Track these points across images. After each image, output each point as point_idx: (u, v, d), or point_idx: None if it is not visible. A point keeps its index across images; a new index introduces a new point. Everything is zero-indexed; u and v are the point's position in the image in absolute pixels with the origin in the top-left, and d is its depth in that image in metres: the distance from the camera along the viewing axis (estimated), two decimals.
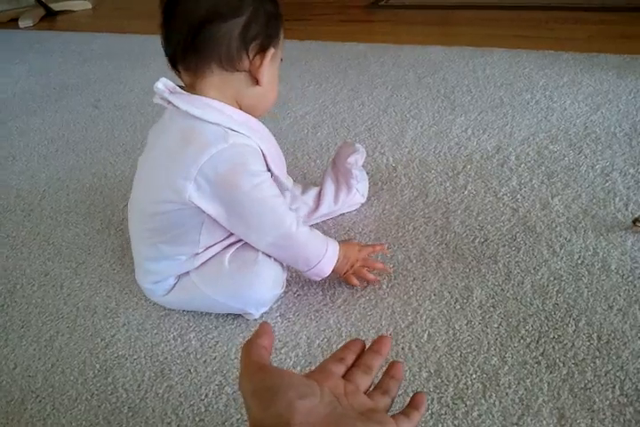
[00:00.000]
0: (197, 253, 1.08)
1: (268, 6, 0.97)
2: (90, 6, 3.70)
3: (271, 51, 0.98)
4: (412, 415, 0.65)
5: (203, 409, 0.97)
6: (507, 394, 0.92)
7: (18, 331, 1.20)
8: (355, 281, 1.15)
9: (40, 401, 1.04)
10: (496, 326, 1.04)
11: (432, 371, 0.98)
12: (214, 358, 1.06)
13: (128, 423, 0.97)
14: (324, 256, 1.08)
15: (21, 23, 3.46)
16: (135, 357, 1.10)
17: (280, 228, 1.04)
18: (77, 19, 3.59)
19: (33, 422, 1.00)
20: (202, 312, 1.15)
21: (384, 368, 0.74)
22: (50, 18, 3.61)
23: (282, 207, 1.04)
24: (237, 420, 0.95)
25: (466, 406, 0.92)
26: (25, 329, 1.20)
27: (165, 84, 0.97)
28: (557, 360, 0.96)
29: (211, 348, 1.08)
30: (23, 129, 2.10)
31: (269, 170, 1.03)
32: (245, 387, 0.59)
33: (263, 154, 1.01)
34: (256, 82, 1.00)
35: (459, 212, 1.32)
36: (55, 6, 3.65)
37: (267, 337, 0.63)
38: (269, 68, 0.99)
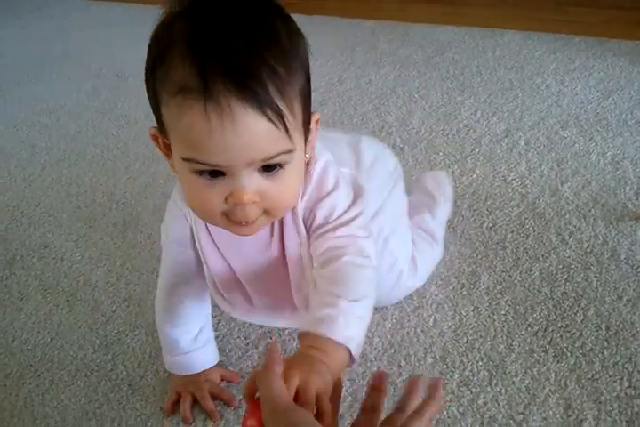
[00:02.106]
0: None
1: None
2: None
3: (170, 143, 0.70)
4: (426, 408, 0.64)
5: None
6: (513, 382, 0.91)
7: (16, 303, 1.19)
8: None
9: (39, 376, 1.03)
10: (503, 313, 1.03)
11: (437, 357, 0.97)
12: (217, 337, 1.05)
13: (128, 401, 0.96)
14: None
15: None
16: (136, 333, 1.09)
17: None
18: None
19: (31, 397, 0.99)
20: None
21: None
22: None
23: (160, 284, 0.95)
24: (239, 400, 0.94)
25: (471, 393, 0.91)
26: (24, 302, 1.19)
27: None
28: (565, 350, 0.95)
29: (213, 326, 1.06)
30: (23, 97, 2.07)
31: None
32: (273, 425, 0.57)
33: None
34: None
35: (467, 196, 1.31)
36: None
37: (278, 364, 0.60)
38: (177, 161, 0.70)
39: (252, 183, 0.67)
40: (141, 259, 1.24)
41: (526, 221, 1.22)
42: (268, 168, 0.67)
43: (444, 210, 1.19)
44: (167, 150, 0.72)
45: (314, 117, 0.73)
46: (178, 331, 0.95)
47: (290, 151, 0.66)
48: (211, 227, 0.84)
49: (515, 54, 1.94)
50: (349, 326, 0.68)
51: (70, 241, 1.33)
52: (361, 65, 2.00)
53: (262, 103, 0.61)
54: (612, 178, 1.31)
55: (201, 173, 0.67)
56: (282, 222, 0.81)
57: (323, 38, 2.25)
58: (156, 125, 0.71)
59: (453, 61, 1.94)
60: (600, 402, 0.87)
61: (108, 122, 1.82)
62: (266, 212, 0.71)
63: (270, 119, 0.62)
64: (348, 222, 0.79)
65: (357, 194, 0.82)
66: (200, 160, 0.65)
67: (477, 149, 1.47)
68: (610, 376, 0.90)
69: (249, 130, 0.61)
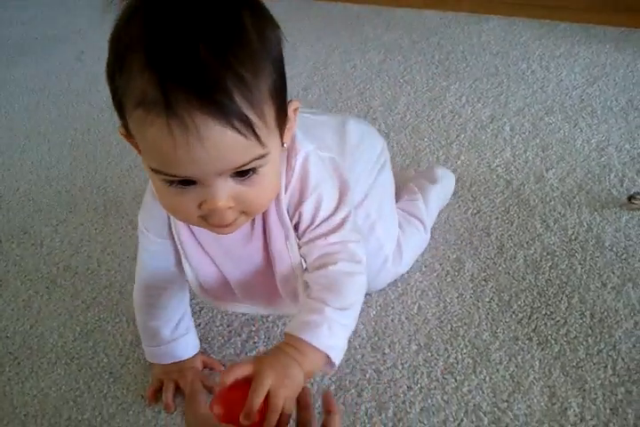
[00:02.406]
0: None
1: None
2: None
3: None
4: (334, 422, 0.68)
5: None
6: (497, 370, 0.91)
7: None
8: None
9: (18, 364, 1.01)
10: (488, 300, 1.03)
11: (422, 344, 0.96)
12: (199, 325, 1.04)
13: (109, 389, 0.95)
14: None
15: None
16: (117, 320, 1.07)
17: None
18: None
19: (11, 385, 0.98)
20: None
21: None
22: None
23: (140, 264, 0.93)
24: None
25: (455, 381, 0.90)
26: (2, 288, 1.17)
27: None
28: (549, 337, 0.95)
29: (195, 313, 1.06)
30: (3, 79, 2.03)
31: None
32: None
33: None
34: None
35: None
36: None
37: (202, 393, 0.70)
38: (146, 168, 0.67)
39: (226, 190, 0.65)
40: (123, 245, 1.23)
41: (511, 207, 1.22)
42: (242, 174, 0.65)
43: (438, 198, 1.19)
44: (138, 148, 0.68)
45: (291, 106, 0.70)
46: (158, 322, 0.93)
47: (262, 156, 0.64)
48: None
49: (500, 40, 1.92)
50: (332, 335, 0.70)
51: (50, 226, 1.31)
52: (346, 49, 1.98)
53: (229, 115, 0.58)
54: (596, 165, 1.31)
55: (171, 183, 0.64)
56: (265, 216, 0.79)
57: (306, 22, 2.23)
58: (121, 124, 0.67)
59: (439, 46, 1.93)
60: (584, 390, 0.87)
61: (89, 106, 1.79)
62: (244, 213, 0.70)
63: (238, 131, 0.59)
64: (339, 227, 0.77)
65: (343, 192, 0.80)
66: (166, 172, 0.63)
67: (462, 135, 1.46)
68: (594, 364, 0.90)
69: (216, 144, 0.59)
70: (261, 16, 0.64)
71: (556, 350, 0.93)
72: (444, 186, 1.23)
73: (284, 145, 0.72)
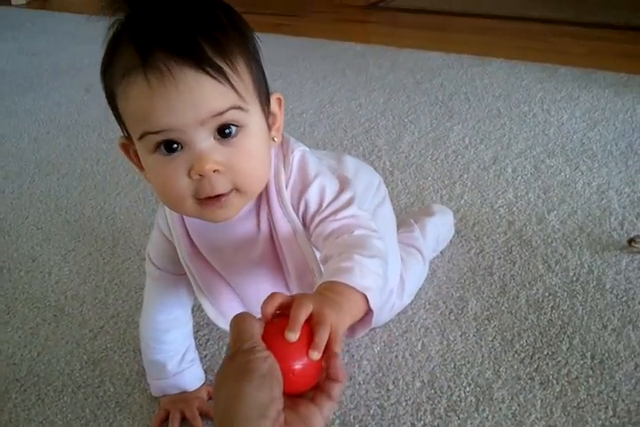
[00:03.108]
0: None
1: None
2: None
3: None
4: (333, 390, 0.60)
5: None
6: (500, 409, 0.92)
7: (3, 317, 1.18)
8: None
9: (25, 391, 1.02)
10: (490, 339, 1.04)
11: (425, 381, 0.98)
12: (205, 356, 1.05)
13: (115, 418, 0.96)
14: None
15: (14, 0, 3.40)
16: (124, 349, 1.08)
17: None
18: (71, 0, 3.54)
19: (17, 412, 0.99)
20: (193, 309, 1.14)
21: None
22: None
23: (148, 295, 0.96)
24: None
25: (459, 418, 0.91)
26: (10, 315, 1.18)
27: None
28: (551, 377, 0.96)
29: (201, 345, 1.07)
30: (12, 109, 2.07)
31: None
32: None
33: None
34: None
35: (455, 221, 1.32)
36: None
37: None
38: (139, 150, 0.71)
39: (211, 150, 0.66)
40: (130, 275, 1.24)
41: (513, 248, 1.24)
42: (224, 133, 0.67)
43: (436, 229, 1.21)
44: (138, 160, 0.73)
45: (274, 95, 0.75)
46: (164, 356, 0.95)
47: (241, 108, 0.67)
48: (194, 234, 0.83)
49: (502, 82, 1.97)
50: (365, 277, 0.65)
51: (58, 255, 1.33)
52: (351, 88, 2.03)
53: (200, 61, 0.63)
54: (597, 207, 1.33)
55: (157, 147, 0.67)
56: (270, 215, 0.79)
57: (313, 60, 2.28)
58: (122, 134, 0.73)
59: (442, 87, 1.97)
60: None
61: (98, 137, 1.82)
62: (236, 187, 0.69)
63: (211, 75, 0.64)
64: (347, 205, 0.77)
65: (343, 182, 0.80)
66: (150, 129, 0.65)
67: (465, 175, 1.49)
68: (595, 405, 0.91)
69: (190, 87, 0.63)
70: (234, 15, 0.71)
71: (558, 389, 0.94)
72: (441, 219, 1.25)
73: (275, 139, 0.76)
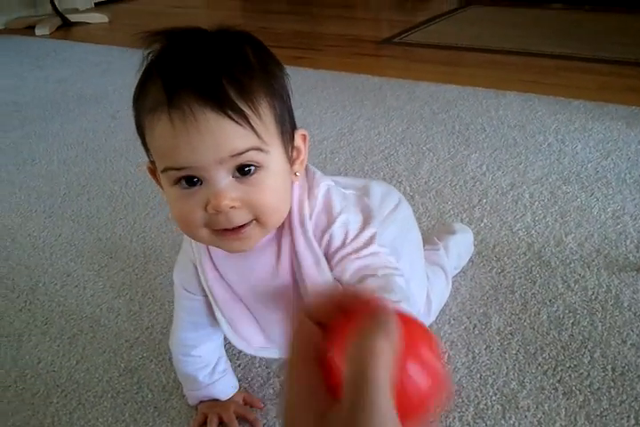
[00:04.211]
0: None
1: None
2: (106, 20, 3.75)
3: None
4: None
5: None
6: (525, 417, 0.96)
7: (41, 327, 1.22)
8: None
9: (66, 396, 1.06)
10: (514, 352, 1.08)
11: (453, 390, 1.01)
12: (239, 366, 1.09)
13: (154, 422, 1.00)
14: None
15: (38, 31, 3.51)
16: (160, 359, 1.12)
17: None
18: (93, 31, 3.64)
19: (59, 416, 1.02)
20: None
21: None
22: (65, 28, 3.66)
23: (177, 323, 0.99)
24: (264, 425, 0.97)
25: (486, 425, 0.95)
26: (48, 326, 1.22)
27: None
28: (574, 388, 1.00)
29: (235, 355, 1.11)
30: (41, 134, 2.13)
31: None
32: None
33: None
34: None
35: (475, 242, 1.36)
36: (72, 17, 3.70)
37: None
38: (162, 182, 0.74)
39: (228, 187, 0.69)
40: (163, 289, 1.29)
41: (533, 268, 1.28)
42: (243, 171, 0.69)
43: (457, 247, 1.26)
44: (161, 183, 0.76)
45: (298, 132, 0.77)
46: (195, 368, 0.98)
47: (260, 149, 0.69)
48: (217, 260, 0.86)
49: (517, 114, 2.03)
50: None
51: (92, 270, 1.37)
52: (370, 117, 2.09)
53: (222, 103, 0.66)
54: (613, 231, 1.38)
55: (178, 181, 0.70)
56: (292, 245, 0.81)
57: (331, 91, 2.35)
58: (149, 159, 0.76)
59: (459, 118, 2.04)
60: None
61: (126, 161, 1.88)
62: (256, 218, 0.72)
63: (232, 118, 0.66)
64: (369, 242, 0.80)
65: (367, 217, 0.83)
66: (172, 165, 0.69)
67: (484, 200, 1.54)
68: (617, 414, 0.95)
69: (211, 129, 0.66)
70: (264, 53, 0.74)
71: (581, 399, 0.98)
72: (462, 237, 1.30)
73: (297, 174, 0.78)
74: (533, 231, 1.40)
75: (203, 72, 0.67)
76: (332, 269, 0.82)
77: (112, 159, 1.90)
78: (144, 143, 0.74)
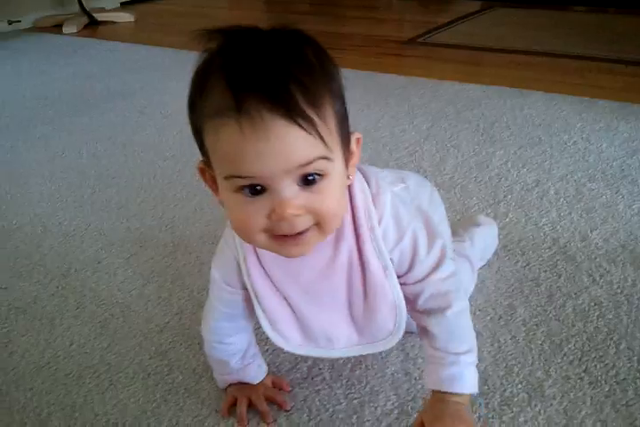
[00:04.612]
0: None
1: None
2: (132, 19, 3.80)
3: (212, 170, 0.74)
4: None
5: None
6: (551, 404, 0.97)
7: (73, 311, 1.25)
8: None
9: (98, 377, 1.08)
10: (540, 342, 1.09)
11: (479, 378, 1.02)
12: (267, 351, 1.11)
13: (185, 402, 1.02)
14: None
15: (65, 29, 3.56)
16: (189, 343, 1.14)
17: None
18: (119, 30, 3.69)
19: (92, 395, 1.05)
20: None
21: None
22: (92, 27, 3.71)
23: (211, 311, 0.98)
24: (292, 406, 0.99)
25: (512, 412, 0.96)
26: (80, 310, 1.25)
27: None
28: (600, 378, 1.01)
29: (263, 340, 1.12)
30: (70, 128, 2.17)
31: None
32: None
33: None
34: None
35: (500, 237, 1.37)
36: (99, 16, 3.75)
37: None
38: (220, 186, 0.74)
39: (294, 196, 0.68)
40: (192, 277, 1.31)
41: (558, 262, 1.29)
42: (308, 180, 0.68)
43: (483, 239, 1.27)
44: (213, 184, 0.76)
45: (354, 135, 0.78)
46: (226, 355, 0.99)
47: (327, 158, 0.68)
48: (263, 258, 0.85)
49: (541, 113, 2.04)
50: (472, 376, 0.87)
51: (122, 258, 1.40)
52: (394, 115, 2.11)
53: (292, 111, 0.64)
54: (638, 228, 1.39)
55: (241, 189, 0.69)
56: (356, 250, 0.82)
57: (356, 90, 2.36)
58: (202, 159, 0.75)
59: (483, 117, 2.05)
60: (635, 426, 0.92)
61: (154, 155, 1.91)
62: (317, 222, 0.72)
63: (302, 126, 0.64)
64: (442, 258, 0.84)
65: (429, 224, 0.86)
66: (238, 173, 0.67)
67: (509, 196, 1.55)
68: None
69: (280, 137, 0.64)
70: (322, 54, 0.72)
71: (607, 389, 0.99)
72: (487, 229, 1.32)
73: (350, 177, 0.77)
74: (558, 227, 1.41)
75: (271, 76, 0.65)
76: (401, 283, 0.86)
77: (140, 153, 1.93)
78: (201, 145, 0.72)
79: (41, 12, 3.85)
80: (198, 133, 0.71)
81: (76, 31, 3.57)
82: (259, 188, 0.68)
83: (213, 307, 0.96)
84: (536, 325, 1.13)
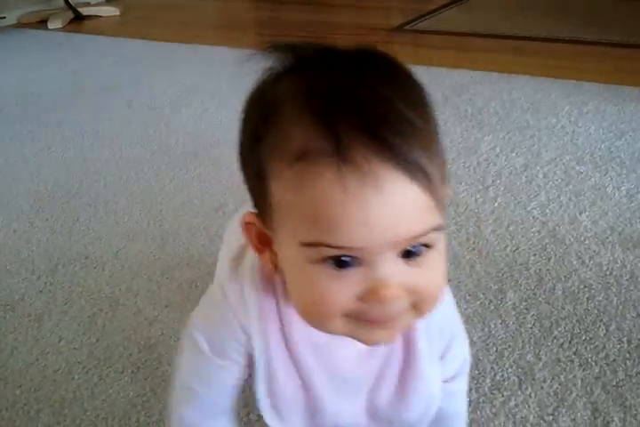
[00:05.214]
0: None
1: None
2: (118, 13, 3.76)
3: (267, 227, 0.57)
4: None
5: (247, 389, 1.00)
6: (542, 387, 0.97)
7: (61, 307, 1.24)
8: None
9: (87, 372, 1.08)
10: (530, 326, 1.09)
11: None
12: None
13: None
14: None
15: (50, 24, 3.52)
16: (178, 336, 1.12)
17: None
18: (104, 24, 3.65)
19: (81, 391, 1.04)
20: None
21: None
22: (78, 21, 3.67)
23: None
24: None
25: (503, 396, 0.96)
26: (68, 306, 1.24)
27: None
28: (590, 360, 1.01)
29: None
30: (57, 123, 2.15)
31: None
32: None
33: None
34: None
35: (490, 221, 1.37)
36: (84, 11, 3.71)
37: None
38: (288, 251, 0.55)
39: (395, 273, 0.51)
40: (180, 270, 1.30)
41: (547, 245, 1.29)
42: (410, 253, 0.52)
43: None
44: (261, 243, 0.59)
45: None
46: None
47: (440, 228, 0.52)
48: (291, 338, 0.65)
49: (529, 97, 2.03)
50: None
51: (110, 252, 1.39)
52: None
53: (411, 164, 0.48)
54: (627, 209, 1.38)
55: (325, 260, 0.51)
56: (405, 338, 0.68)
57: None
58: (250, 210, 0.58)
59: (471, 102, 2.04)
60: (625, 406, 0.92)
61: (142, 148, 1.90)
62: (414, 304, 0.55)
63: (421, 185, 0.48)
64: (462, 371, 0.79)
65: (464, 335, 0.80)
66: (329, 242, 0.49)
67: (498, 181, 1.54)
68: (633, 384, 0.96)
69: (397, 199, 0.48)
70: (414, 80, 0.56)
71: (597, 371, 0.99)
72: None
73: None
74: (547, 210, 1.41)
75: (375, 110, 0.49)
76: None
77: (128, 147, 1.92)
78: (261, 194, 0.54)
79: (25, 8, 3.81)
80: (259, 177, 0.53)
81: (61, 26, 3.54)
82: (348, 259, 0.51)
83: (185, 387, 0.73)
84: (526, 308, 1.13)
